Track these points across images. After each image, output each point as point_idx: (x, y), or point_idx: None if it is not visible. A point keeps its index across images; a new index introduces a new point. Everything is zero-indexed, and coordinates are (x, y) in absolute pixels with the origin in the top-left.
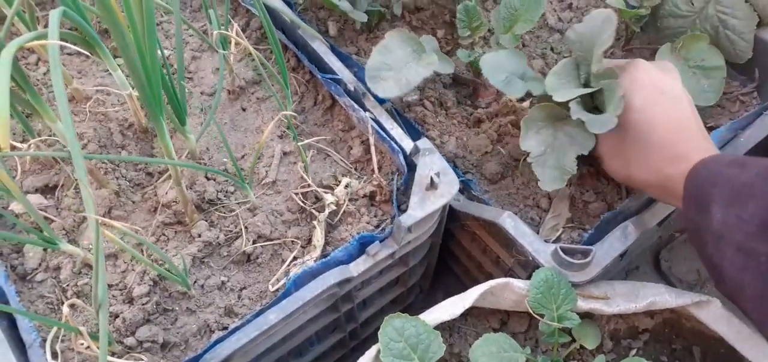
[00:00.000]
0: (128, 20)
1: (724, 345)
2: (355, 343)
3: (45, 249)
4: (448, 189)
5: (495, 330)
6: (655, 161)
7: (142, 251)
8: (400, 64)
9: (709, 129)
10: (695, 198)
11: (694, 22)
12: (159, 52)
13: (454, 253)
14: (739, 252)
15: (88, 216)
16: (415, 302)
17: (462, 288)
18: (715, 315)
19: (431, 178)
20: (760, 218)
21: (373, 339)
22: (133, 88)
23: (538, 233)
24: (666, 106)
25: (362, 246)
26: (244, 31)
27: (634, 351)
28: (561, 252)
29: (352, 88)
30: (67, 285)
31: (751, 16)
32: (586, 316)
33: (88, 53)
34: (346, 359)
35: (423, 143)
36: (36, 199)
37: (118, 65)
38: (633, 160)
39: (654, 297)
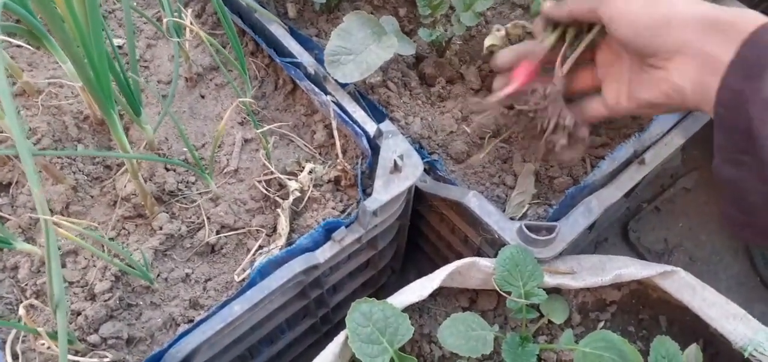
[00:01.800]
0: (68, 11)
1: (690, 314)
2: (328, 327)
3: (0, 249)
4: (413, 171)
5: (464, 309)
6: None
7: (102, 247)
8: (359, 47)
9: None
10: (751, 62)
11: None
12: (111, 42)
13: (423, 233)
14: None
15: (40, 218)
16: (387, 283)
17: (433, 267)
18: (680, 285)
19: (395, 161)
20: None
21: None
22: None
23: (504, 211)
24: None
25: (328, 232)
26: (199, 16)
27: (601, 323)
28: (526, 230)
29: (313, 72)
30: (26, 285)
31: None
32: (554, 291)
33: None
34: (319, 344)
35: (386, 126)
36: None
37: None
38: None
39: (620, 269)
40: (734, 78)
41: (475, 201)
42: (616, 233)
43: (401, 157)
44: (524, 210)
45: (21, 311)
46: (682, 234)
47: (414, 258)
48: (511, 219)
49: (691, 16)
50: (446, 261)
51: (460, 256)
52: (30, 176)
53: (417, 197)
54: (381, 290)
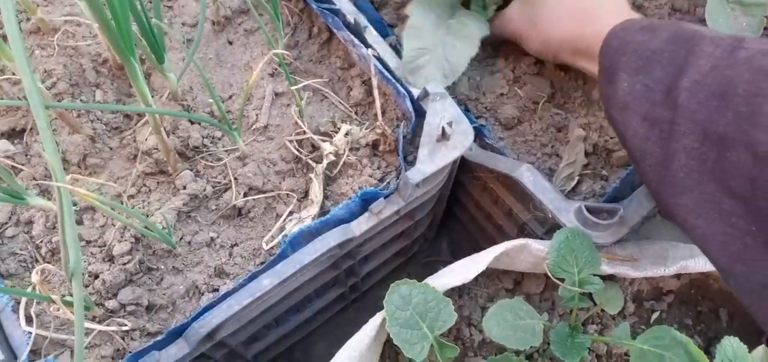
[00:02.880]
0: None
1: None
2: (356, 295)
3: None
4: (462, 140)
5: (508, 292)
6: (567, 20)
7: (122, 205)
8: (432, 41)
9: None
10: (607, 67)
11: None
12: None
13: (461, 201)
14: (644, 122)
15: (53, 184)
16: (418, 252)
17: (467, 236)
18: None
19: (443, 128)
20: (665, 85)
21: (374, 291)
22: None
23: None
24: None
25: (365, 202)
26: None
27: (656, 314)
28: (585, 211)
29: (352, 20)
30: (41, 242)
31: None
32: (609, 278)
33: None
34: (346, 310)
35: (433, 87)
36: (2, 146)
37: None
38: (545, 24)
39: (686, 260)
40: (603, 85)
41: (529, 176)
42: None
43: (450, 123)
44: (574, 183)
45: (34, 277)
46: None
47: (447, 225)
48: (568, 197)
49: (554, 47)
50: (483, 232)
51: (500, 229)
52: (43, 133)
53: (459, 164)
54: (412, 258)
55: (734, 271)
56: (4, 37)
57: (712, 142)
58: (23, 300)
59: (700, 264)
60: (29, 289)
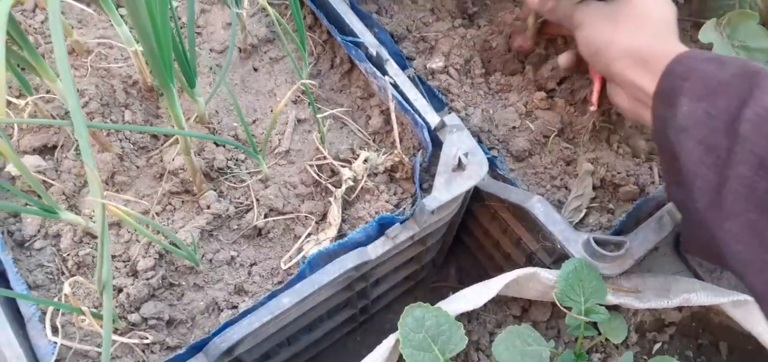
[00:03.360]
0: None
1: (753, 342)
2: (365, 317)
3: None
4: (477, 170)
5: (516, 319)
6: (646, 31)
7: (147, 224)
8: None
9: None
10: (667, 91)
11: None
12: (171, 6)
13: (469, 229)
14: (700, 146)
15: (93, 200)
16: (426, 277)
17: (475, 263)
18: (751, 314)
19: (459, 159)
20: (727, 114)
21: (381, 314)
22: (137, 43)
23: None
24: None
25: (381, 227)
26: None
27: (658, 345)
28: (593, 243)
29: (374, 53)
30: (68, 255)
31: None
32: (613, 308)
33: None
34: (355, 332)
35: (450, 119)
36: (34, 161)
37: (122, 16)
38: (624, 24)
39: (687, 294)
40: (659, 107)
41: (540, 208)
42: (667, 243)
43: (466, 154)
44: (582, 215)
45: (66, 289)
46: None
47: (455, 251)
48: (577, 229)
49: (620, 49)
50: (491, 259)
51: (508, 258)
52: (85, 154)
53: (471, 195)
54: (420, 283)
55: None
56: (43, 57)
57: (766, 172)
58: (49, 310)
59: (701, 297)
60: (56, 300)
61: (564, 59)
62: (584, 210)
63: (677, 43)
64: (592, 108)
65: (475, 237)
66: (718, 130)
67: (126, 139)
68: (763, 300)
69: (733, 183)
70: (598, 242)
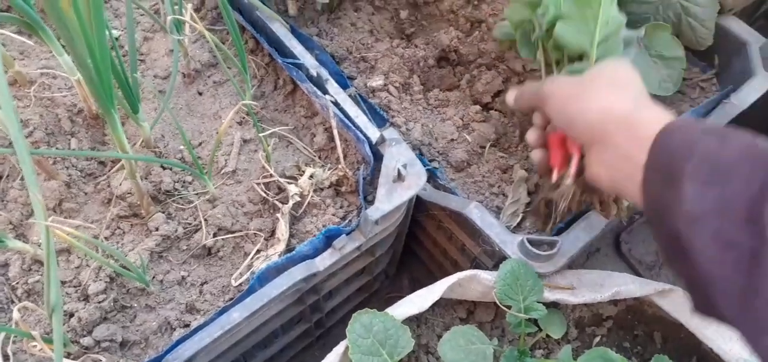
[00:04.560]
0: (72, 6)
1: (684, 331)
2: (321, 331)
3: None
4: (416, 181)
5: (462, 320)
6: (627, 94)
7: (96, 247)
8: None
9: None
10: (664, 168)
11: (657, 10)
12: (110, 34)
13: (419, 239)
14: (717, 241)
15: (37, 223)
16: (380, 288)
17: (426, 272)
18: (678, 304)
19: (398, 170)
20: (745, 207)
21: (338, 327)
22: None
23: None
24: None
25: (328, 239)
26: (198, 10)
27: (597, 338)
28: (527, 244)
29: (315, 73)
30: (17, 284)
31: (713, 4)
32: (552, 305)
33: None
34: (312, 347)
35: (389, 133)
36: None
37: (63, 46)
38: (597, 86)
39: (619, 286)
40: (654, 183)
41: (476, 213)
42: (608, 244)
43: (405, 166)
44: (519, 219)
45: (15, 314)
46: None
47: (407, 262)
48: (512, 232)
49: (600, 110)
50: (441, 268)
51: (455, 264)
52: (29, 179)
53: (415, 203)
54: (375, 295)
55: None
56: None
57: None
58: (0, 337)
59: (631, 289)
60: (6, 326)
61: (531, 136)
62: (520, 215)
63: (657, 108)
64: (569, 181)
65: (424, 247)
66: (735, 223)
67: (73, 166)
68: None
69: (766, 290)
70: (532, 242)
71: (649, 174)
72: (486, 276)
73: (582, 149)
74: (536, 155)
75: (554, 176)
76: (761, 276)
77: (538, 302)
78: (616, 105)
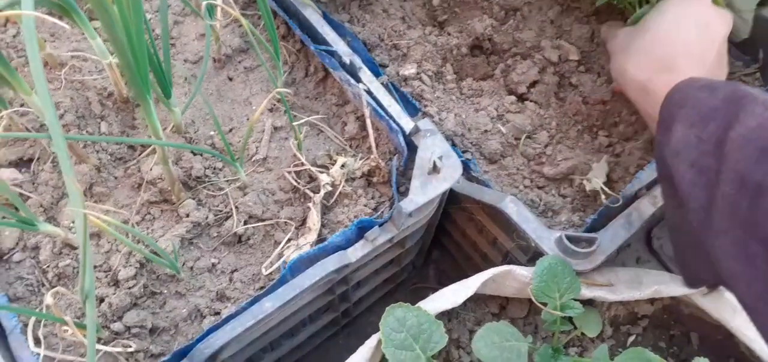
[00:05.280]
0: None
1: (722, 332)
2: (347, 320)
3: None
4: (451, 173)
5: (494, 316)
6: (648, 65)
7: (126, 233)
8: None
9: None
10: (665, 118)
11: None
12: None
13: (447, 230)
14: (692, 168)
15: (73, 210)
16: (407, 278)
17: (454, 264)
18: (721, 304)
19: (434, 162)
20: (716, 137)
21: (364, 316)
22: (112, 55)
23: (537, 216)
24: (691, 32)
25: (361, 230)
26: None
27: (632, 337)
28: (566, 240)
29: (348, 61)
30: (48, 267)
31: None
32: (588, 303)
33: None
34: (337, 336)
35: (424, 124)
36: (10, 174)
37: (95, 29)
38: (631, 59)
39: (658, 285)
40: (658, 134)
41: (513, 207)
42: (639, 239)
43: (440, 157)
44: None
45: (48, 299)
46: None
47: (434, 253)
48: (549, 228)
49: (629, 81)
50: (469, 260)
51: (485, 257)
52: (64, 165)
53: (447, 195)
54: (401, 285)
55: (758, 309)
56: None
57: (747, 190)
58: (31, 321)
59: (671, 289)
60: (37, 311)
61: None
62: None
63: (684, 69)
64: None
65: (453, 239)
66: (706, 153)
67: (103, 150)
68: (754, 312)
69: (719, 201)
70: (570, 239)
71: (658, 127)
72: (522, 272)
73: None
74: None
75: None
76: (716, 189)
77: (574, 300)
78: (639, 77)
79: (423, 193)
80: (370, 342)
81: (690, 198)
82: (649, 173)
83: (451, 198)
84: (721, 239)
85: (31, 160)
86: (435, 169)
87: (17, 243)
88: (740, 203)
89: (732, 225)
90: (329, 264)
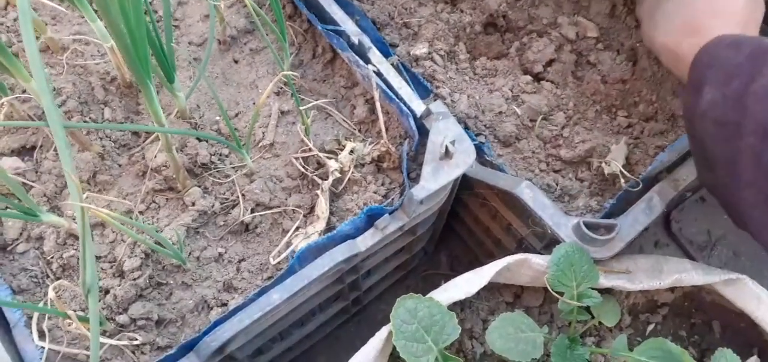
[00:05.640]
0: None
1: (746, 320)
2: (358, 308)
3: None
4: (464, 159)
5: (508, 305)
6: (676, 29)
7: (130, 223)
8: None
9: None
10: (694, 82)
11: None
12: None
13: (459, 216)
14: (717, 125)
15: (73, 204)
16: (418, 265)
17: (466, 250)
18: (745, 293)
19: (446, 147)
20: (740, 92)
21: (375, 304)
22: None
23: (554, 201)
24: None
25: (370, 218)
26: None
27: (652, 326)
28: (584, 227)
29: (356, 41)
30: (52, 258)
31: None
32: (606, 291)
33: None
34: (348, 324)
35: (436, 106)
36: (12, 163)
37: (95, 11)
38: (658, 24)
39: (680, 274)
40: (687, 97)
41: (528, 193)
42: (657, 223)
43: (453, 142)
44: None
45: (51, 293)
46: (726, 227)
47: (445, 239)
48: (566, 214)
49: (659, 46)
50: (482, 246)
51: (498, 243)
52: (63, 155)
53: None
54: (412, 272)
55: None
56: (16, 55)
57: None
58: (35, 315)
59: (693, 277)
60: (41, 305)
61: None
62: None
63: (712, 29)
64: None
65: (465, 225)
66: (730, 108)
67: (107, 137)
68: None
69: (743, 154)
70: (588, 226)
71: (686, 90)
72: (538, 260)
73: None
74: None
75: None
76: (740, 141)
77: (592, 288)
78: (669, 43)
79: (435, 180)
80: (381, 334)
81: (716, 155)
82: (670, 155)
83: (464, 183)
84: (747, 191)
85: (33, 148)
86: (447, 154)
87: (21, 234)
88: (764, 152)
89: (756, 176)
90: (338, 254)
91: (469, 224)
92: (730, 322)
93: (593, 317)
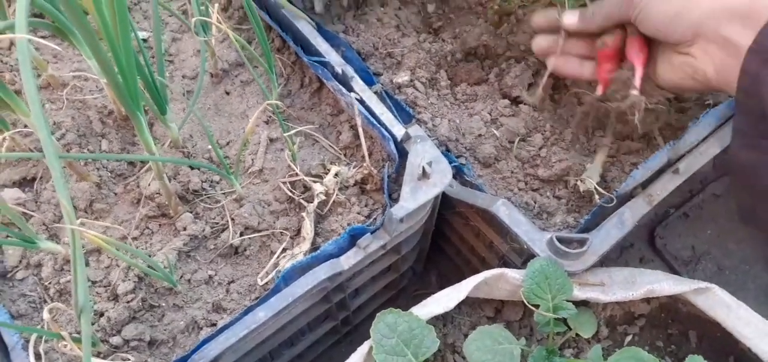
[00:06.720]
0: (94, 7)
1: (720, 330)
2: (349, 329)
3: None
4: (441, 178)
5: (489, 319)
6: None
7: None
8: None
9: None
10: (766, 49)
11: None
12: (136, 36)
13: (446, 236)
14: None
15: (66, 227)
16: (408, 285)
17: (454, 269)
18: (715, 302)
19: (423, 168)
20: None
21: (366, 324)
22: None
23: (532, 219)
24: None
25: (353, 238)
26: (225, 10)
27: (629, 337)
28: (557, 242)
29: (340, 71)
30: (49, 284)
31: None
32: (582, 303)
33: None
34: (339, 344)
35: (414, 130)
36: (13, 194)
37: None
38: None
39: (652, 284)
40: (753, 63)
41: (504, 211)
42: (642, 238)
43: (430, 163)
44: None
45: (45, 315)
46: (710, 242)
47: (434, 259)
48: (543, 229)
49: (712, 6)
50: (469, 264)
51: (483, 261)
52: (57, 183)
53: (442, 200)
54: (402, 292)
55: None
56: (18, 92)
57: None
58: (33, 337)
59: (664, 287)
60: (39, 327)
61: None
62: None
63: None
64: (635, 92)
65: (452, 244)
66: None
67: (103, 167)
68: None
69: None
70: (561, 240)
71: (750, 56)
72: (514, 274)
73: (647, 59)
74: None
75: (600, 90)
76: None
77: (567, 301)
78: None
79: (413, 199)
80: (362, 349)
81: None
82: (644, 172)
83: (447, 203)
84: None
85: (34, 180)
86: (425, 175)
87: (20, 261)
88: None
89: None
90: (321, 273)
91: (455, 243)
92: (706, 332)
93: (570, 329)
